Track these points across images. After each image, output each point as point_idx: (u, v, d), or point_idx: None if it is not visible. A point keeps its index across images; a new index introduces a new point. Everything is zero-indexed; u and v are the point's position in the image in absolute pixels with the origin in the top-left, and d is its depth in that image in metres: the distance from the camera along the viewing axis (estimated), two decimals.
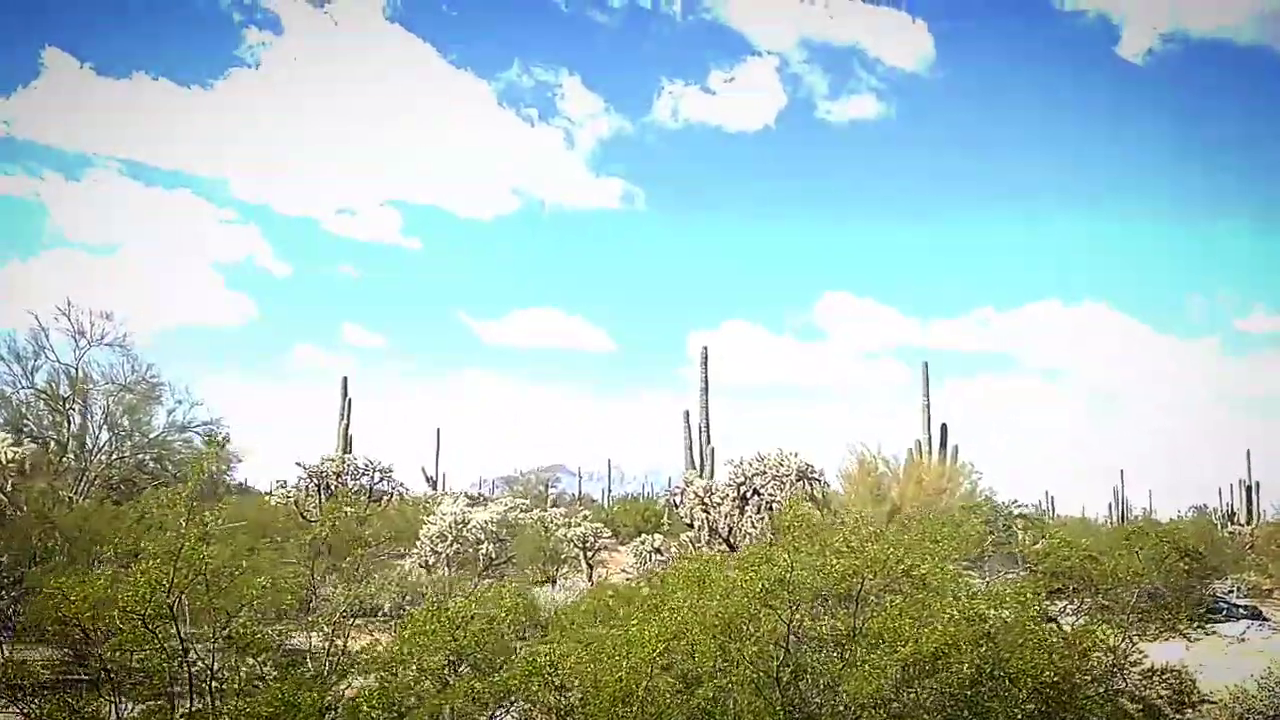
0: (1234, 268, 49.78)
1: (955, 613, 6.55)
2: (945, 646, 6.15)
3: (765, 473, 26.08)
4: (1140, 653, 9.03)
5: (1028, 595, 8.32)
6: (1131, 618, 9.16)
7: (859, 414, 59.72)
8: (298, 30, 50.25)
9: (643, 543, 26.49)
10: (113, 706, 7.85)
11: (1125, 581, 9.31)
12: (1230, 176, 49.46)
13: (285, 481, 31.67)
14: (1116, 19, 46.77)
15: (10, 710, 8.41)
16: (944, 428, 35.06)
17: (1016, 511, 12.39)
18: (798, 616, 7.06)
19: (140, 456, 28.05)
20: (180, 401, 28.40)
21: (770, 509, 25.63)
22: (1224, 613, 23.17)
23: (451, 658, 7.68)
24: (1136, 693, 8.80)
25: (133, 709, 7.97)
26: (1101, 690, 8.08)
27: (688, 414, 35.05)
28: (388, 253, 55.08)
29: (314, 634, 9.91)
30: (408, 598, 20.32)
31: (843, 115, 50.46)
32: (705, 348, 35.47)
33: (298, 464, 33.23)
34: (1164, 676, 8.94)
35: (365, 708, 7.09)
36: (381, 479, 35.31)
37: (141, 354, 29.02)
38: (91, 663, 8.50)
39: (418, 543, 25.48)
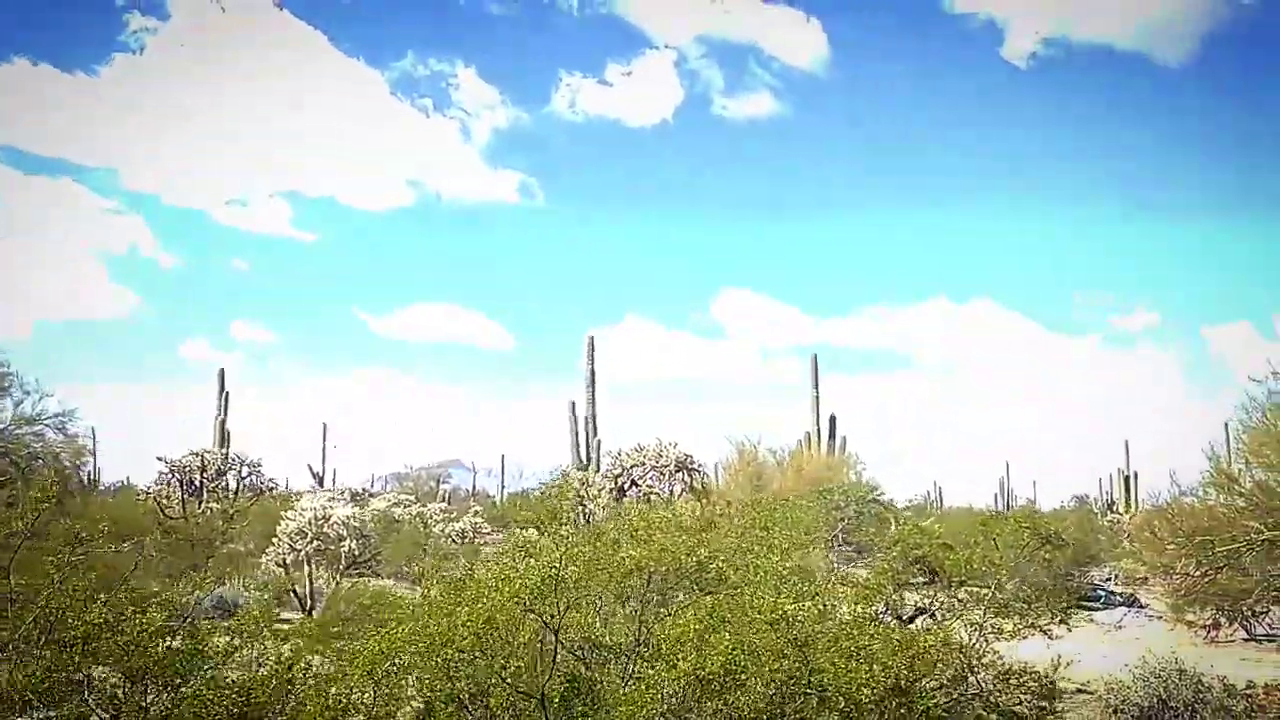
0: (1116, 266, 50.99)
1: (757, 615, 5.36)
2: (739, 658, 4.92)
3: (644, 464, 25.13)
4: (995, 653, 8.03)
5: (878, 587, 7.21)
6: (988, 614, 8.17)
7: (756, 410, 60.05)
8: (184, 16, 47.99)
9: (510, 536, 25.06)
10: None
11: (979, 572, 8.34)
12: (1114, 178, 50.97)
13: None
14: (1001, 23, 47.28)
15: None
16: (833, 419, 34.90)
17: (871, 498, 11.56)
18: (590, 621, 5.81)
19: None
20: (29, 393, 26.48)
21: (648, 501, 24.70)
22: (1101, 600, 23.11)
23: None
24: (992, 697, 7.80)
25: None
26: (950, 698, 7.04)
27: (574, 406, 33.96)
28: (279, 245, 52.61)
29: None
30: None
31: (739, 112, 50.17)
32: (591, 338, 34.46)
33: (159, 459, 31.38)
34: (1022, 679, 7.96)
35: None
36: (250, 474, 33.53)
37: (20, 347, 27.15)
38: None
39: (274, 540, 23.91)
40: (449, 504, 42.02)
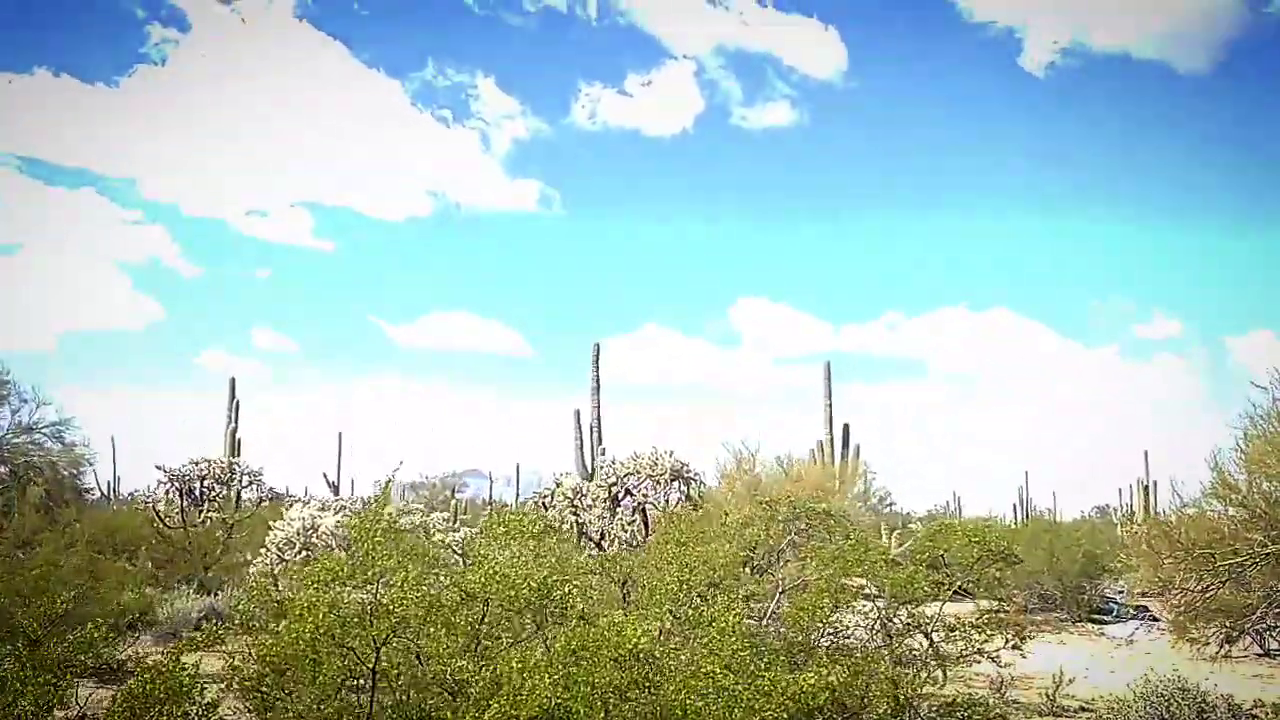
0: (1136, 274, 50.00)
1: (604, 649, 4.67)
2: (570, 702, 4.26)
3: (639, 472, 24.41)
4: (933, 681, 7.25)
5: (813, 608, 6.49)
6: (935, 635, 7.41)
7: (772, 418, 59.46)
8: (205, 28, 48.24)
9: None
10: None
11: (918, 596, 7.54)
12: (1132, 187, 49.86)
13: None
14: (1020, 32, 46.35)
15: None
16: (846, 428, 34.04)
17: (822, 509, 10.80)
18: (415, 659, 5.14)
19: None
20: (26, 401, 26.51)
21: (643, 511, 24.00)
22: (1114, 613, 22.26)
23: None
24: None
25: None
26: None
27: (578, 413, 33.45)
28: (299, 254, 52.64)
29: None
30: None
31: (758, 122, 49.77)
32: (597, 345, 33.99)
33: (157, 467, 31.22)
34: (968, 711, 7.18)
35: None
36: (250, 483, 33.34)
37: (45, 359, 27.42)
38: None
39: (262, 550, 23.61)
40: (464, 512, 41.78)
